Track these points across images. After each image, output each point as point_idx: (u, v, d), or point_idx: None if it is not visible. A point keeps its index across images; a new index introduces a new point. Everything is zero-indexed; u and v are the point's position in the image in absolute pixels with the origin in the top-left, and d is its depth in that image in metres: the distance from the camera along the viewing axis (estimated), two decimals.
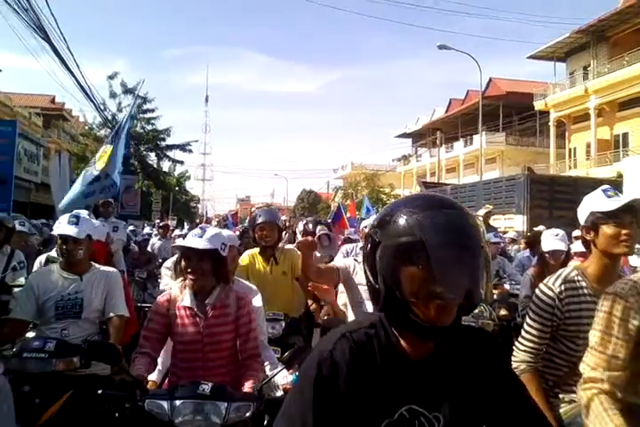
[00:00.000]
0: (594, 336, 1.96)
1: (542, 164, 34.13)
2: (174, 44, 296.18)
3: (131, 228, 11.93)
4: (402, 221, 1.31)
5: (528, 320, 2.57)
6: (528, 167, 15.74)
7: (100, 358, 2.66)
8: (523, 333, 2.59)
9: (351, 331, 1.40)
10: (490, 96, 36.13)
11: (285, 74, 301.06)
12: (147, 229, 14.33)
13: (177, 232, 12.69)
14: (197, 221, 31.11)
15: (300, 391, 1.35)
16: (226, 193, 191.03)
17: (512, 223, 14.79)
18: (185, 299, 2.95)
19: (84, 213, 3.84)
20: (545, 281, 2.57)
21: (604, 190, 2.51)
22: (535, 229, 11.70)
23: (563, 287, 2.49)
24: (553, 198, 14.63)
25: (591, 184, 16.63)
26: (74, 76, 14.45)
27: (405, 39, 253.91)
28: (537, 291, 2.57)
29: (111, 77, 29.77)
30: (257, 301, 3.56)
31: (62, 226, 3.63)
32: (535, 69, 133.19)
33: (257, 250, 4.78)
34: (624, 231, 2.39)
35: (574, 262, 4.53)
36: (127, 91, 29.78)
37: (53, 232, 3.78)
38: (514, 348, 2.62)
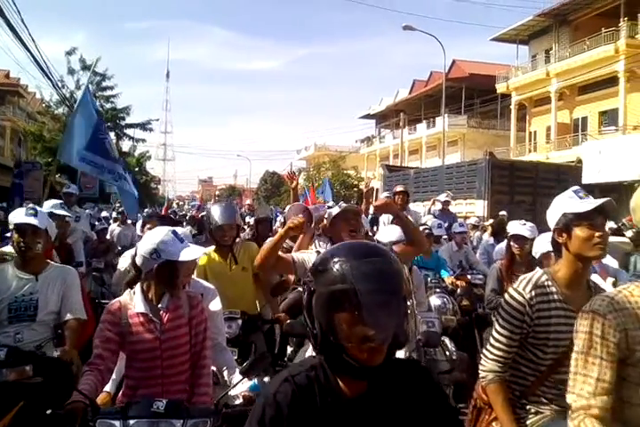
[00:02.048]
0: (576, 360, 1.90)
1: (503, 147, 34.46)
2: (135, 18, 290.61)
3: (87, 211, 11.62)
4: (333, 270, 1.43)
5: (497, 327, 2.48)
6: (490, 152, 15.77)
7: (49, 377, 2.55)
8: (491, 340, 2.50)
9: (293, 375, 1.54)
10: (453, 78, 36.18)
11: (249, 50, 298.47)
12: (104, 213, 13.98)
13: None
14: (158, 205, 30.18)
15: None
16: (187, 174, 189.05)
17: (473, 208, 14.88)
18: (137, 305, 2.79)
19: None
20: (515, 286, 2.48)
21: (575, 191, 2.45)
22: (499, 213, 11.83)
23: (533, 293, 2.40)
24: (513, 183, 14.78)
25: (551, 169, 17.02)
26: (29, 51, 13.77)
27: (371, 18, 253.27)
28: (506, 296, 2.48)
29: (69, 53, 28.62)
30: (215, 304, 3.44)
31: (20, 216, 3.47)
32: (499, 51, 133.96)
33: (213, 247, 4.62)
34: (597, 234, 2.32)
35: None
36: (86, 67, 28.82)
37: (11, 222, 3.56)
38: (481, 356, 2.56)
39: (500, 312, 2.50)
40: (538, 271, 2.53)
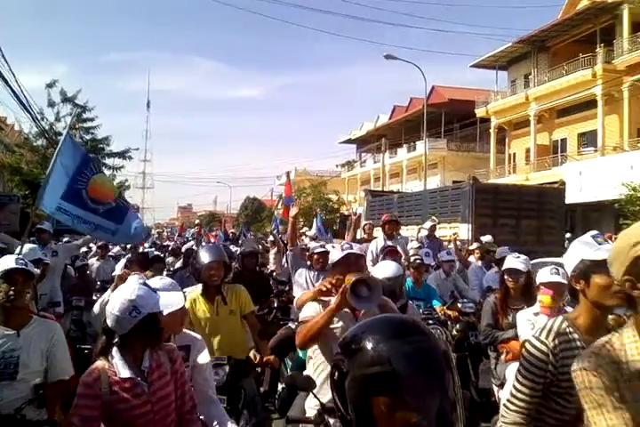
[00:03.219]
0: (596, 416, 1.72)
1: (482, 169, 34.70)
2: (115, 49, 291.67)
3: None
4: (370, 350, 1.28)
5: (518, 377, 2.36)
6: (473, 177, 15.78)
7: None
8: (513, 391, 2.38)
9: None
10: (433, 104, 36.55)
11: (229, 79, 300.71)
12: (83, 248, 13.62)
13: (114, 251, 11.89)
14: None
15: None
16: (166, 201, 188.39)
17: (457, 232, 14.81)
18: (121, 371, 2.52)
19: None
20: (536, 334, 2.37)
21: (593, 236, 2.34)
22: (482, 238, 11.77)
23: (556, 341, 2.30)
24: (497, 207, 14.74)
25: (534, 192, 17.08)
26: (9, 86, 13.62)
27: (351, 47, 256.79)
28: (527, 346, 2.37)
29: (50, 86, 28.50)
30: (204, 356, 3.24)
31: (9, 263, 3.26)
32: (478, 77, 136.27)
33: (198, 291, 4.40)
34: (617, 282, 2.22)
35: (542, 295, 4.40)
36: (66, 99, 28.70)
37: None
38: (503, 407, 2.42)
39: (521, 362, 2.38)
40: (557, 318, 2.42)
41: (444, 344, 1.36)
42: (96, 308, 5.25)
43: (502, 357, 4.91)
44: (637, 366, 1.75)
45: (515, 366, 4.53)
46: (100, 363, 2.55)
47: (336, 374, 1.35)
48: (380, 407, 1.25)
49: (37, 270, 3.57)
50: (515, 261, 5.20)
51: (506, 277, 5.21)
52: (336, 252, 3.45)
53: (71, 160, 5.57)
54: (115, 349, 2.56)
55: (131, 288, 2.54)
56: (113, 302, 2.51)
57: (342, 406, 1.33)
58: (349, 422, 1.31)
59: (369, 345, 1.28)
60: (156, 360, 2.63)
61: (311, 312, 3.28)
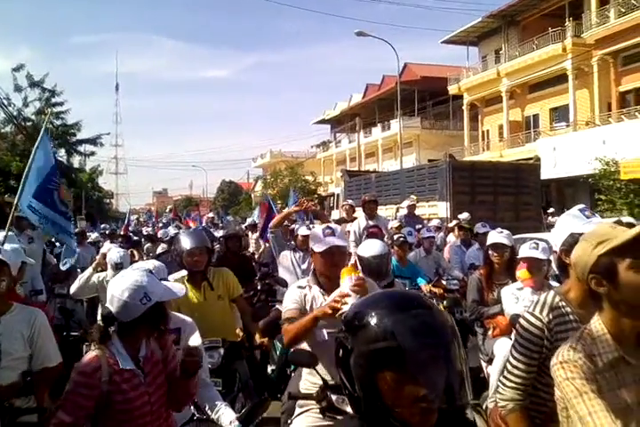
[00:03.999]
0: (578, 405, 1.74)
1: (457, 146, 34.82)
2: (81, 31, 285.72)
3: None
4: (374, 326, 1.28)
5: (514, 353, 2.37)
6: (450, 154, 15.86)
7: None
8: (509, 367, 2.39)
9: None
10: (405, 81, 36.45)
11: (197, 60, 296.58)
12: None
13: (93, 237, 11.75)
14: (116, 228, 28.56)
15: None
16: (141, 187, 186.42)
17: (435, 210, 14.90)
18: (122, 361, 2.43)
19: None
20: (530, 310, 2.38)
21: (581, 210, 2.36)
22: (459, 215, 11.88)
23: (551, 316, 2.31)
24: (474, 184, 14.83)
25: (510, 168, 17.21)
26: None
27: (322, 24, 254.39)
28: (522, 322, 2.38)
29: (16, 70, 27.86)
30: (195, 338, 3.24)
31: None
32: (449, 53, 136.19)
33: (184, 277, 4.31)
34: None
35: (520, 270, 4.46)
36: (34, 84, 28.14)
37: None
38: (499, 384, 2.44)
39: (516, 338, 2.40)
40: (549, 293, 2.43)
41: (448, 316, 1.36)
42: (74, 285, 5.24)
43: (489, 332, 4.94)
44: (609, 357, 1.81)
45: (502, 341, 4.65)
46: (98, 352, 2.44)
47: (341, 351, 1.34)
48: (386, 383, 1.25)
49: (31, 260, 3.50)
50: (499, 236, 5.22)
51: (490, 252, 5.22)
52: (316, 235, 3.26)
53: (46, 159, 5.46)
54: (115, 337, 2.48)
55: (138, 275, 2.46)
56: (121, 287, 2.41)
57: (349, 383, 1.32)
58: (357, 398, 1.31)
59: (373, 321, 1.28)
60: (150, 348, 2.58)
61: (293, 304, 3.16)
